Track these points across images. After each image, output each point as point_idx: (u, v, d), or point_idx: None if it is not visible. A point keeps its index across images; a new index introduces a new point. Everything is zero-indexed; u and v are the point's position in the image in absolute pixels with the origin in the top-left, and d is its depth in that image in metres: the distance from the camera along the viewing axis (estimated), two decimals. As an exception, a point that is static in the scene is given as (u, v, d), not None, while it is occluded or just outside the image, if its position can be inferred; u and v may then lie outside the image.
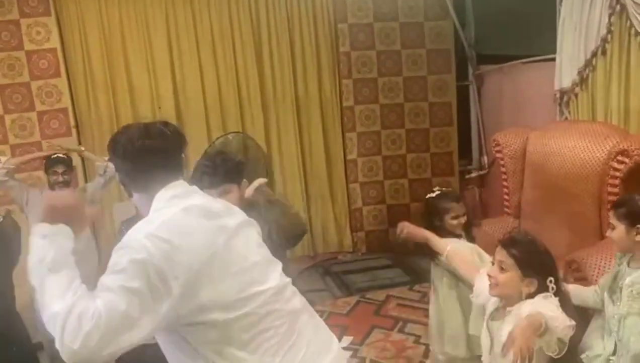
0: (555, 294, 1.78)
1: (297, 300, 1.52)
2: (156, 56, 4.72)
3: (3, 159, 3.54)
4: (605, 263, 2.53)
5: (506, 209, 3.61)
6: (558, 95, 3.71)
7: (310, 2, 5.03)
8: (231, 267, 1.35)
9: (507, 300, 1.84)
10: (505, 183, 3.60)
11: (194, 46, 4.78)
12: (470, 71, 5.15)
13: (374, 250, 5.28)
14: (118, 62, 4.64)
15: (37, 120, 4.38)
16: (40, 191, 3.56)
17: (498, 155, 3.62)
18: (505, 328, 1.77)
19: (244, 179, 2.20)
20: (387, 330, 3.78)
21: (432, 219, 2.64)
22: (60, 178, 3.50)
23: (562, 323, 1.68)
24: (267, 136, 5.06)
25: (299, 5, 5.02)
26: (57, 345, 1.19)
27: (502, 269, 1.80)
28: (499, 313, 1.88)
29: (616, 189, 2.70)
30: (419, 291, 4.28)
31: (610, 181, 2.84)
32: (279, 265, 1.53)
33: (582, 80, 3.52)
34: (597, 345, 2.27)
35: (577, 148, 3.08)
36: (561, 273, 2.71)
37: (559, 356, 1.69)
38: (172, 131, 1.47)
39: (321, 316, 4.06)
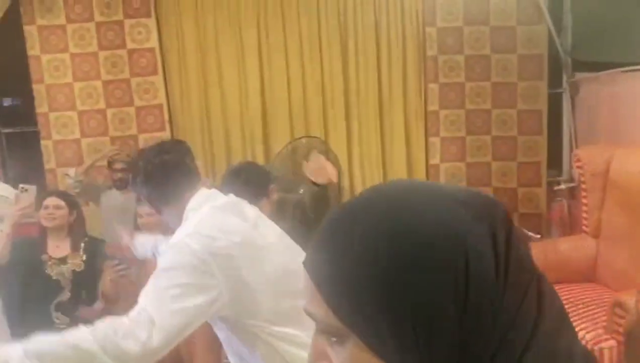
0: None
1: None
2: (246, 59, 4.87)
3: (71, 172, 3.86)
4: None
5: (584, 228, 3.41)
6: (657, 108, 3.45)
7: (399, 5, 4.97)
8: (263, 251, 1.49)
9: None
10: (584, 201, 3.41)
11: (282, 49, 4.89)
12: (565, 78, 4.88)
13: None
14: (210, 63, 4.85)
15: (135, 115, 4.72)
16: (110, 189, 3.89)
17: (579, 171, 3.43)
18: None
19: (272, 185, 2.33)
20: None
21: None
22: (118, 174, 3.79)
23: None
24: (348, 139, 5.07)
25: (387, 8, 4.98)
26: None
27: None
28: None
29: None
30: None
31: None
32: (296, 244, 1.62)
33: (685, 93, 3.25)
34: None
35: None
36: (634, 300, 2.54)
37: None
38: (183, 143, 1.66)
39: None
